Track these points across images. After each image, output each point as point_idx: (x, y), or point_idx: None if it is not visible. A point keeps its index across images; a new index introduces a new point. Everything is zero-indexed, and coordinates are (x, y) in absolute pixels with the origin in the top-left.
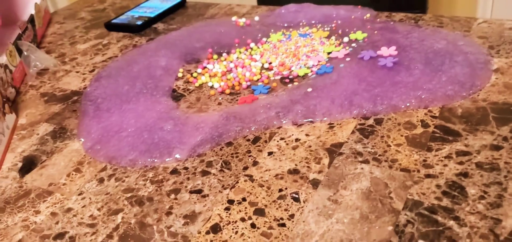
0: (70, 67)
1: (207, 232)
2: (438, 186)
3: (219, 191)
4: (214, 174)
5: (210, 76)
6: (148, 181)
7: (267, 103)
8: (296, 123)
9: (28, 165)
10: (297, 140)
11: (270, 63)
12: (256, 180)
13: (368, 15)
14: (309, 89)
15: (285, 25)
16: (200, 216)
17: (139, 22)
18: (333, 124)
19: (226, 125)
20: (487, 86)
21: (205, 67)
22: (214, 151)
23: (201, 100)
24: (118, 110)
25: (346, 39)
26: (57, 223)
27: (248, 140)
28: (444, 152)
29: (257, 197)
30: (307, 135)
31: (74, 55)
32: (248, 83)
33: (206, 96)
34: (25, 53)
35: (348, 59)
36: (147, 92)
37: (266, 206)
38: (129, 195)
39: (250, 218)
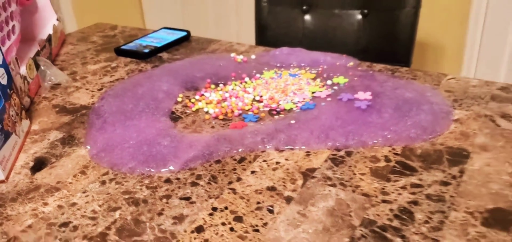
0: (80, 84)
1: (192, 232)
2: (391, 210)
3: (205, 199)
4: (202, 186)
5: (206, 103)
6: (144, 186)
7: (254, 130)
8: (278, 148)
9: (39, 164)
10: (277, 162)
11: (261, 96)
12: (238, 193)
13: (351, 63)
14: (293, 121)
15: (278, 65)
16: (187, 218)
17: (146, 50)
18: (309, 152)
19: (216, 145)
20: (446, 133)
21: (202, 95)
22: (204, 166)
23: (196, 123)
24: (122, 125)
25: (329, 82)
26: (63, 214)
27: (235, 160)
28: (400, 183)
29: (237, 207)
30: (286, 159)
31: (84, 74)
32: (240, 111)
33: (201, 120)
34: (42, 68)
35: (329, 99)
36: (149, 111)
37: (244, 214)
38: (127, 196)
39: (229, 223)
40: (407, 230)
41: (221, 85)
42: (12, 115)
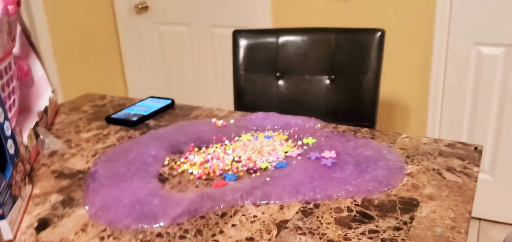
0: (75, 151)
1: None
2: None
3: None
4: (189, 239)
5: (190, 164)
6: (138, 240)
7: (234, 187)
8: (255, 203)
9: (43, 224)
10: (254, 216)
11: (240, 157)
12: None
13: (318, 125)
14: (268, 179)
15: (254, 128)
16: None
17: (134, 118)
18: (283, 205)
19: (201, 202)
20: (400, 185)
21: (187, 158)
22: (190, 221)
23: (182, 183)
24: (116, 186)
25: (299, 142)
26: None
27: (217, 215)
28: (360, 230)
29: None
30: (262, 213)
31: (79, 142)
32: (221, 171)
33: (187, 180)
34: (41, 137)
35: (299, 158)
36: (140, 174)
37: None
38: None
39: None
40: None
41: (203, 148)
42: (18, 181)
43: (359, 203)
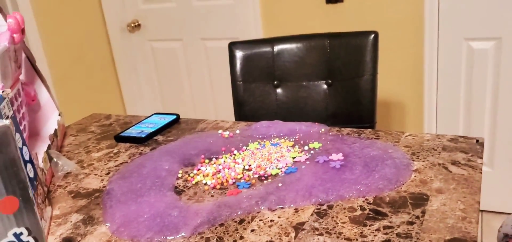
0: (89, 171)
1: None
2: None
3: None
4: None
5: (203, 175)
6: None
7: (248, 195)
8: (270, 208)
9: None
10: (271, 220)
11: (250, 165)
12: None
13: (323, 129)
14: (280, 184)
15: (260, 136)
16: None
17: (143, 135)
18: (297, 209)
19: (218, 211)
20: (408, 181)
21: (199, 169)
22: (210, 229)
23: (198, 194)
24: (134, 202)
25: (306, 147)
26: None
27: (236, 221)
28: (375, 227)
29: None
30: (279, 217)
31: (90, 162)
32: (234, 180)
33: (202, 191)
34: (55, 159)
35: (308, 162)
36: (156, 188)
37: None
38: None
39: None
40: None
41: (214, 159)
42: (40, 204)
43: (371, 201)
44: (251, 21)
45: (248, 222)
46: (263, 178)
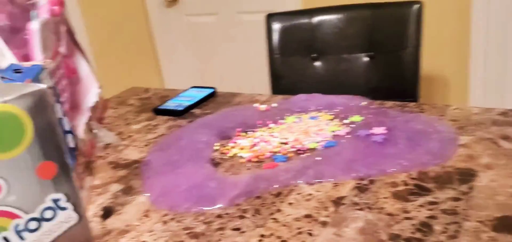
0: (128, 143)
1: None
2: (413, 225)
3: (253, 229)
4: (248, 218)
5: (240, 148)
6: (200, 222)
7: (285, 168)
8: (308, 182)
9: (107, 212)
10: (309, 194)
11: (287, 139)
12: (280, 221)
13: (364, 102)
14: (318, 158)
15: (298, 110)
16: None
17: (180, 108)
18: (337, 183)
19: (255, 183)
20: (454, 156)
21: (235, 142)
22: (247, 202)
23: (235, 167)
24: (173, 173)
25: (346, 121)
26: None
27: (273, 194)
28: (419, 202)
29: (282, 233)
30: (317, 191)
31: (130, 133)
32: (270, 154)
33: (238, 163)
34: (94, 131)
35: (348, 136)
36: (193, 160)
37: (288, 238)
38: (187, 231)
39: None
40: (427, 240)
41: (250, 132)
42: (80, 173)
43: (415, 177)
44: None
45: (285, 195)
46: (300, 152)
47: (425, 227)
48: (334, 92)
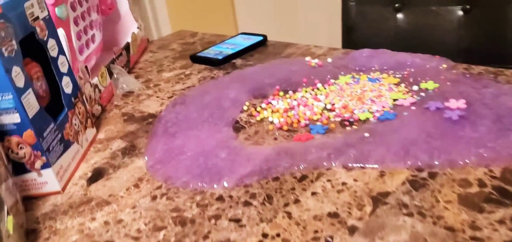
0: (152, 92)
1: None
2: None
3: (256, 223)
4: (255, 206)
5: (272, 111)
6: (194, 203)
7: (321, 143)
8: (346, 166)
9: (96, 175)
10: (343, 183)
11: (333, 104)
12: (294, 218)
13: (444, 65)
14: (367, 134)
15: (356, 68)
16: None
17: (220, 57)
18: (384, 172)
19: (276, 160)
20: None
21: (269, 103)
22: (260, 183)
23: (259, 134)
24: (183, 135)
25: (415, 87)
26: (107, 231)
27: (295, 177)
28: (497, 216)
29: (291, 235)
30: (355, 180)
31: (158, 82)
32: (307, 122)
33: (265, 130)
34: (115, 75)
35: (413, 108)
36: (212, 121)
37: None
38: (175, 214)
39: None
40: None
41: (290, 92)
42: (76, 124)
43: (498, 175)
44: None
45: (311, 181)
46: (346, 123)
47: None
48: (416, 51)
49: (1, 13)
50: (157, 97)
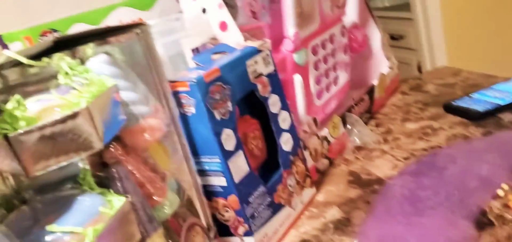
0: (388, 148)
1: None
2: None
3: None
4: None
5: None
6: None
7: None
8: None
9: None
10: None
11: None
12: None
13: None
14: None
15: None
16: None
17: (480, 109)
18: None
19: None
20: None
21: None
22: None
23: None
24: (405, 220)
25: None
26: None
27: None
28: None
29: None
30: None
31: (398, 135)
32: None
33: None
34: (348, 126)
35: None
36: (448, 206)
37: None
38: None
39: None
40: None
41: None
42: (290, 185)
43: None
44: None
45: None
46: None
47: None
48: None
49: (219, 76)
50: (392, 155)
